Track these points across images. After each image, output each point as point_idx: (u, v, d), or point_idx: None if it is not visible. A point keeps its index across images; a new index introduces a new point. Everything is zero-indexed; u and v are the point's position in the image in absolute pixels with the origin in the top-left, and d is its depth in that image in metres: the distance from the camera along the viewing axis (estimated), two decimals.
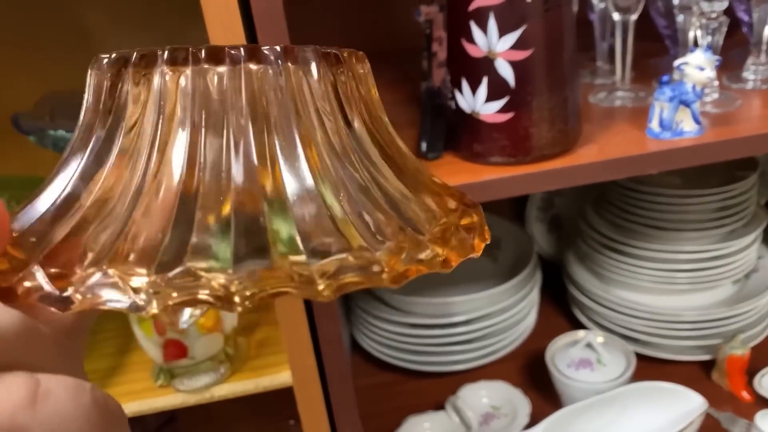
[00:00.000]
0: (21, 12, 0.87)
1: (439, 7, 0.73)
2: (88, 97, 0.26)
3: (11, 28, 0.88)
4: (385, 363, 0.94)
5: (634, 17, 0.68)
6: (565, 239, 1.08)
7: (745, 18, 0.76)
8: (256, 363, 0.74)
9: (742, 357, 0.82)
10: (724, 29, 0.65)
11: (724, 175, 0.86)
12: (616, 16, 0.68)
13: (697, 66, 0.59)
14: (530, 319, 0.96)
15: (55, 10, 0.88)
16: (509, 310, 0.90)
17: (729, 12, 0.68)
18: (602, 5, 0.77)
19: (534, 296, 0.95)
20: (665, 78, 0.61)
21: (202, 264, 0.21)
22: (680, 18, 0.70)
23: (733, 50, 0.78)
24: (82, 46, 0.90)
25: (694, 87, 0.60)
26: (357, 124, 0.26)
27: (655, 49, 0.86)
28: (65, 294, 0.20)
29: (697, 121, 0.61)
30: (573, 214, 1.06)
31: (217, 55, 0.23)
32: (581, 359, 0.85)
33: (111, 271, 0.20)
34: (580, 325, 0.96)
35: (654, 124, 0.61)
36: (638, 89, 0.73)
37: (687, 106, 0.60)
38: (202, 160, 0.23)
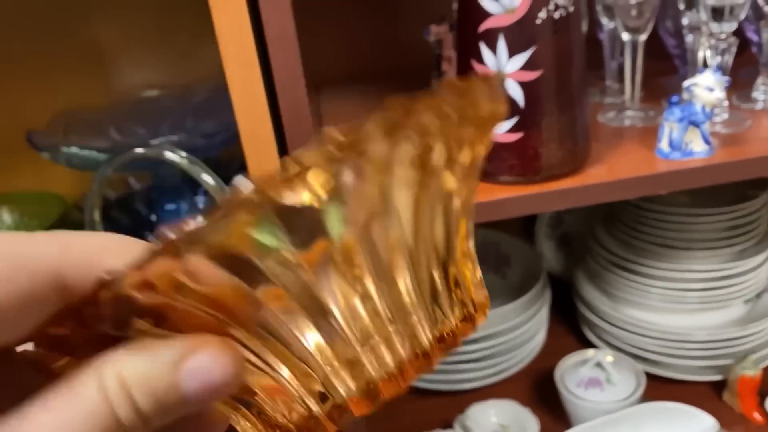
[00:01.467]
0: (35, 32, 0.89)
1: (449, 27, 0.73)
2: None
3: (26, 48, 0.89)
4: None
5: (643, 37, 0.68)
6: (574, 257, 1.08)
7: (755, 38, 0.76)
8: None
9: (753, 378, 0.82)
10: (734, 50, 0.65)
11: (734, 194, 0.86)
12: (625, 36, 0.69)
13: (707, 87, 0.59)
14: (539, 338, 0.96)
15: (68, 30, 0.89)
16: (518, 329, 0.89)
17: (738, 31, 0.68)
18: (611, 25, 0.78)
19: (543, 314, 0.95)
20: (675, 98, 0.61)
21: None
22: (689, 38, 0.71)
23: (743, 69, 0.78)
24: (95, 66, 0.92)
25: (703, 108, 0.60)
26: None
27: (664, 67, 0.86)
28: None
29: (706, 142, 0.61)
30: (582, 232, 1.06)
31: None
32: (590, 378, 0.84)
33: None
34: (589, 344, 0.96)
35: (663, 145, 0.62)
36: (647, 108, 0.73)
37: (696, 126, 0.60)
38: None
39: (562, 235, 1.10)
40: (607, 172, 0.61)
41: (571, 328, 1.02)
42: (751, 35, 0.77)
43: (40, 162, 0.79)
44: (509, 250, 1.01)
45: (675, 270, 0.86)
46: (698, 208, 0.84)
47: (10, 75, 0.90)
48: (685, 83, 0.61)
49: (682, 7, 0.69)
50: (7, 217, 0.88)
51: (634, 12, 0.66)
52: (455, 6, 0.76)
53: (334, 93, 0.91)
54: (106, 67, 0.92)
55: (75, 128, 0.81)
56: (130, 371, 0.19)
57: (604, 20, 0.78)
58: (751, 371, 0.82)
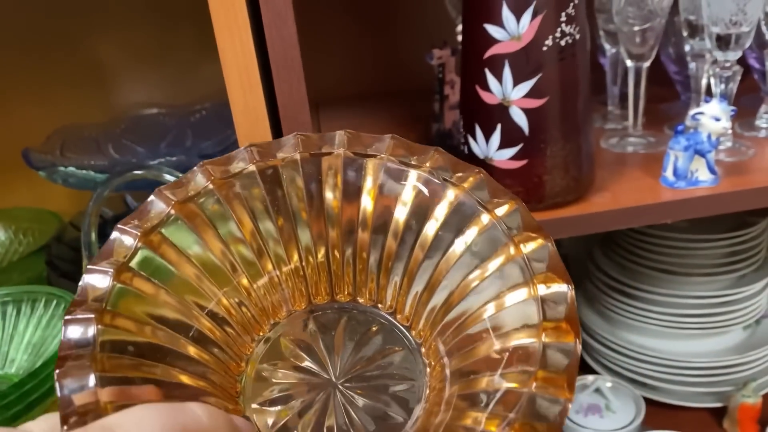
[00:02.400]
0: (35, 48, 0.88)
1: (451, 50, 0.73)
2: None
3: (24, 63, 0.88)
4: None
5: (647, 64, 0.68)
6: (571, 278, 1.07)
7: (756, 65, 0.76)
8: None
9: (754, 406, 0.81)
10: (738, 78, 0.64)
11: (734, 220, 0.85)
12: (629, 63, 0.68)
13: (713, 116, 0.59)
14: None
15: (68, 46, 0.88)
16: None
17: (740, 58, 0.68)
18: (613, 50, 0.78)
19: None
20: (680, 127, 0.61)
21: None
22: (692, 65, 0.71)
23: (744, 96, 0.78)
24: (94, 82, 0.91)
25: (709, 137, 0.60)
26: None
27: (665, 93, 0.86)
28: None
29: (712, 171, 0.60)
30: (580, 254, 1.05)
31: None
32: (590, 405, 0.84)
33: None
34: (586, 367, 0.95)
35: (668, 173, 0.61)
36: (649, 135, 0.73)
37: (702, 155, 0.60)
38: None
39: (560, 257, 1.09)
40: (612, 201, 0.60)
41: None
42: (753, 62, 0.77)
43: (36, 178, 0.78)
44: None
45: (674, 295, 0.86)
46: (698, 234, 0.84)
47: (9, 90, 0.89)
48: (691, 112, 0.60)
49: (685, 34, 0.68)
50: (1, 233, 0.87)
51: (638, 39, 0.66)
52: (458, 29, 0.75)
53: (334, 113, 0.90)
54: (105, 83, 0.91)
55: (72, 145, 0.80)
56: None
57: (607, 45, 0.78)
58: (751, 399, 0.81)
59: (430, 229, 0.37)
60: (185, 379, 0.32)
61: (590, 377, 0.86)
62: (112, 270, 0.32)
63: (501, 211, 0.35)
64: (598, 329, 0.92)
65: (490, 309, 0.33)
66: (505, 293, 0.33)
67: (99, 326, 0.30)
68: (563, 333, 0.30)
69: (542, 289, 0.32)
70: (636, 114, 0.71)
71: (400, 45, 0.97)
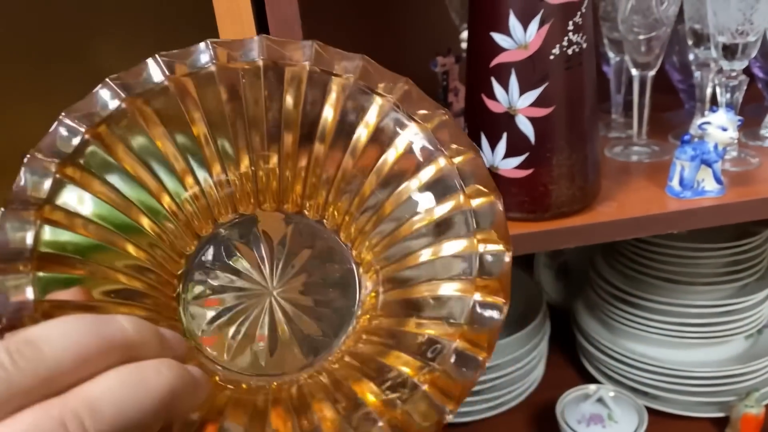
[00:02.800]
0: (35, 53, 0.87)
1: (455, 58, 0.73)
2: None
3: (25, 69, 0.88)
4: None
5: (652, 73, 0.68)
6: (573, 286, 1.07)
7: (761, 75, 0.76)
8: None
9: (757, 416, 0.81)
10: (744, 87, 0.64)
11: (736, 229, 0.85)
12: (634, 72, 0.68)
13: (720, 126, 0.58)
14: (539, 371, 0.95)
15: (68, 52, 0.88)
16: (519, 362, 0.88)
17: (744, 67, 0.68)
18: (617, 58, 0.77)
19: (543, 347, 0.93)
20: (686, 137, 0.60)
21: None
22: (697, 74, 0.70)
23: (748, 106, 0.78)
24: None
25: (716, 146, 0.59)
26: None
27: (668, 101, 0.86)
28: None
29: (718, 181, 0.60)
30: (582, 262, 1.05)
31: None
32: (592, 414, 0.83)
33: None
34: (588, 375, 0.95)
35: (675, 183, 0.61)
36: (653, 143, 0.73)
37: (708, 165, 0.59)
38: None
39: (561, 264, 1.09)
40: (618, 210, 0.60)
41: (569, 358, 1.01)
42: (757, 71, 0.77)
43: None
44: None
45: (676, 304, 0.85)
46: (700, 242, 0.83)
47: (8, 96, 0.88)
48: (698, 121, 0.60)
49: (690, 42, 0.68)
50: None
51: (643, 48, 0.66)
52: (462, 37, 0.75)
53: None
54: None
55: None
56: None
57: (611, 54, 0.77)
58: (754, 409, 0.81)
59: (390, 157, 0.36)
60: (122, 278, 0.32)
61: (593, 387, 0.86)
62: (55, 163, 0.32)
63: (459, 159, 0.35)
64: (599, 338, 0.91)
65: (428, 252, 0.34)
66: (445, 241, 0.34)
67: (38, 221, 0.30)
68: (493, 292, 0.31)
69: (481, 247, 0.32)
70: (641, 123, 0.71)
71: (403, 52, 0.96)
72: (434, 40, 0.93)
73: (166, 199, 0.36)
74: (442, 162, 0.35)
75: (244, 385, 0.33)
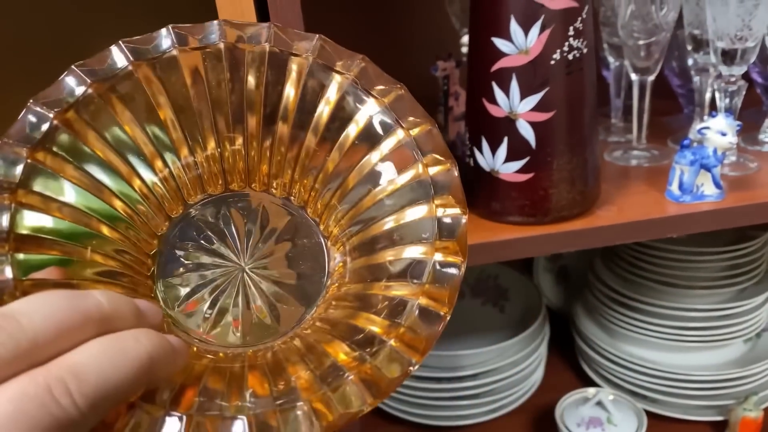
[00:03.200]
0: (34, 53, 0.87)
1: (456, 62, 0.73)
2: None
3: (24, 70, 0.88)
4: (392, 416, 0.92)
5: (651, 78, 0.68)
6: (572, 290, 1.07)
7: (759, 80, 0.76)
8: None
9: (755, 420, 0.81)
10: (743, 92, 0.65)
11: (735, 233, 0.85)
12: (633, 77, 0.69)
13: (719, 131, 0.59)
14: (538, 374, 0.95)
15: (68, 53, 0.88)
16: (518, 365, 0.88)
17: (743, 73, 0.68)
18: (617, 63, 0.78)
19: (542, 350, 0.94)
20: (686, 141, 0.61)
21: None
22: (696, 79, 0.71)
23: (746, 110, 0.78)
24: None
25: (715, 151, 0.60)
26: None
27: (667, 106, 0.86)
28: None
29: (717, 186, 0.60)
30: (581, 266, 1.05)
31: None
32: (591, 418, 0.83)
33: None
34: (587, 378, 0.95)
35: (674, 187, 0.61)
36: (652, 148, 0.73)
37: (708, 170, 0.60)
38: None
39: (561, 267, 1.09)
40: (617, 214, 0.60)
41: (568, 361, 1.01)
42: (756, 77, 0.77)
43: None
44: (508, 284, 1.00)
45: (675, 308, 0.85)
46: (699, 246, 0.84)
47: (8, 96, 0.88)
48: (697, 126, 0.60)
49: (689, 48, 0.69)
50: None
51: (643, 53, 0.66)
52: (462, 41, 0.75)
53: None
54: None
55: None
56: None
57: (610, 58, 0.78)
58: (753, 413, 0.81)
59: (351, 132, 0.38)
60: (99, 258, 0.33)
61: (592, 390, 0.86)
62: (26, 148, 0.33)
63: (416, 130, 0.37)
64: (599, 341, 0.91)
65: (391, 220, 0.36)
66: (407, 208, 0.36)
67: (12, 204, 0.31)
68: (452, 252, 0.34)
69: (440, 211, 0.35)
70: (640, 127, 0.71)
71: (404, 56, 0.97)
72: (435, 44, 0.94)
73: (136, 182, 0.37)
74: (400, 134, 0.37)
75: (221, 354, 0.35)
